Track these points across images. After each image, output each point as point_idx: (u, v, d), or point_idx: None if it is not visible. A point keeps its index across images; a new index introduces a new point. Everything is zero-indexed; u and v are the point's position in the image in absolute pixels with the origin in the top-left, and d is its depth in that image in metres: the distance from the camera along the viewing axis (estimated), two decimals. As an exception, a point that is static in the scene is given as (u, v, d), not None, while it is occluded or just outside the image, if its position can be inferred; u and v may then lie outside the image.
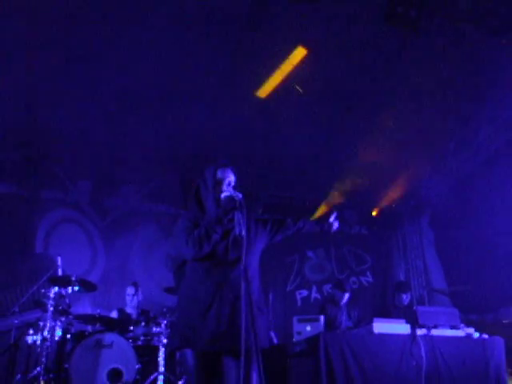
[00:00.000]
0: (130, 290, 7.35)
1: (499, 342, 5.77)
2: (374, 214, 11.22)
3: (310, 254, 10.63)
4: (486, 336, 5.81)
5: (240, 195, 3.22)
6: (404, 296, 7.51)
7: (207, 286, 3.24)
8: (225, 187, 3.37)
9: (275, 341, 7.38)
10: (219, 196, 3.35)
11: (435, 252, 10.76)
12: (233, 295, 3.16)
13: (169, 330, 6.69)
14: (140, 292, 7.42)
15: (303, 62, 7.03)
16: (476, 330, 5.84)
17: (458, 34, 6.62)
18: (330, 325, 6.94)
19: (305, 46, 6.88)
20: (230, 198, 3.24)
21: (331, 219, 3.82)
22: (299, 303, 10.29)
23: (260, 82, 7.39)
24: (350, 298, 7.49)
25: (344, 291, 7.42)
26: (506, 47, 6.77)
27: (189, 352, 3.26)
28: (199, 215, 3.40)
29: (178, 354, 6.68)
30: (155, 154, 8.73)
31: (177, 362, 6.75)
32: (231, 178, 3.44)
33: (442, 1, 6.43)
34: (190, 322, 3.20)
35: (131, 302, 7.31)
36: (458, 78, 7.19)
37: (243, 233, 3.07)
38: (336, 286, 7.71)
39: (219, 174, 3.43)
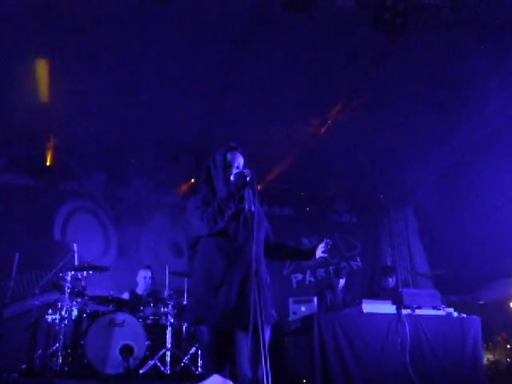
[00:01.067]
0: (147, 273, 7.35)
1: (476, 320, 5.81)
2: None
3: (304, 240, 10.64)
4: (464, 315, 5.84)
5: (250, 172, 3.10)
6: (390, 279, 7.55)
7: (219, 263, 3.14)
8: (234, 169, 3.27)
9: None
10: (229, 177, 3.25)
11: (419, 238, 10.79)
12: (243, 273, 3.08)
13: (176, 310, 6.72)
14: (148, 274, 7.42)
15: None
16: (455, 310, 5.87)
17: (440, 38, 6.61)
18: (328, 309, 6.98)
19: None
20: (241, 174, 3.13)
21: (322, 250, 3.54)
22: (295, 286, 10.33)
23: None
24: (345, 284, 7.53)
25: (340, 277, 7.47)
26: (484, 52, 6.78)
27: (203, 327, 3.09)
28: (210, 195, 3.29)
29: (192, 329, 6.67)
30: (162, 149, 8.71)
31: (183, 339, 6.79)
32: (240, 160, 3.34)
33: (425, 9, 6.42)
34: (203, 299, 3.12)
35: (146, 284, 7.31)
36: (440, 78, 7.17)
37: (253, 208, 3.00)
38: (333, 273, 7.78)
39: (229, 157, 3.34)
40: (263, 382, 2.61)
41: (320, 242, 3.51)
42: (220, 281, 3.08)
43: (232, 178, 3.21)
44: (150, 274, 7.38)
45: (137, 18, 6.11)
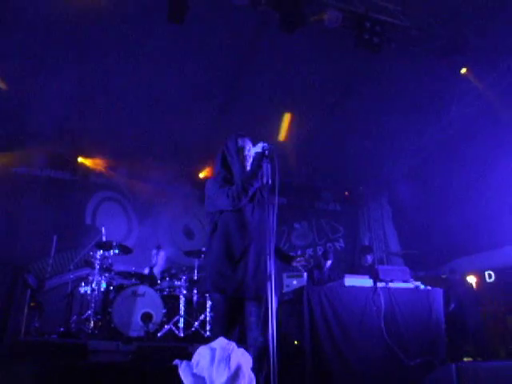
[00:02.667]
0: (162, 253, 7.39)
1: (439, 291, 5.82)
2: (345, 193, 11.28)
3: (296, 225, 10.66)
4: (429, 288, 5.85)
5: (268, 146, 2.95)
6: (368, 257, 7.58)
7: (237, 239, 3.04)
8: (246, 152, 3.19)
9: None
10: (242, 160, 3.16)
11: (392, 224, 10.79)
12: (258, 249, 2.99)
13: (187, 284, 6.75)
14: (163, 253, 7.45)
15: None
16: (422, 283, 5.88)
17: (411, 55, 6.64)
18: (315, 284, 7.01)
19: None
20: (261, 152, 2.98)
21: (298, 261, 3.43)
22: (287, 263, 10.34)
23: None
24: (331, 264, 7.55)
25: (327, 259, 7.50)
26: (446, 66, 6.82)
27: (219, 297, 3.03)
28: (229, 177, 3.18)
29: (202, 298, 6.72)
30: (176, 147, 8.73)
31: (194, 308, 6.83)
32: (249, 144, 3.24)
33: (398, 29, 6.44)
34: (222, 271, 3.01)
35: (162, 261, 7.33)
36: (411, 86, 7.19)
37: (270, 181, 2.84)
38: (322, 255, 7.80)
39: (240, 142, 3.24)
40: (270, 343, 2.61)
41: (301, 255, 3.46)
42: (239, 256, 3.00)
43: (248, 160, 3.12)
44: (163, 253, 7.40)
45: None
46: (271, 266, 2.63)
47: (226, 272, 3.00)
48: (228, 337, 2.82)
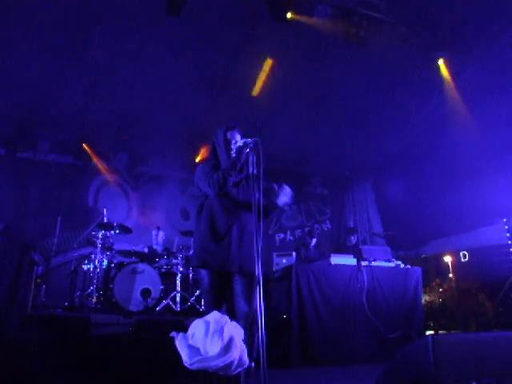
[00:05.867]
0: (160, 233, 7.36)
1: (418, 270, 5.88)
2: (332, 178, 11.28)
3: (286, 207, 10.65)
4: (409, 266, 5.90)
5: (252, 140, 2.96)
6: (352, 237, 7.62)
7: (222, 219, 3.08)
8: (233, 144, 3.17)
9: None
10: (229, 151, 3.16)
11: (376, 207, 10.85)
12: (242, 228, 3.06)
13: (184, 262, 6.77)
14: (162, 233, 7.45)
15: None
16: (402, 262, 5.94)
17: (395, 48, 6.61)
18: (303, 262, 7.05)
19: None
20: (242, 147, 3.01)
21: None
22: (278, 243, 10.39)
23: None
24: (317, 242, 7.58)
25: (312, 237, 7.54)
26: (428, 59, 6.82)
27: (204, 271, 3.06)
28: (217, 165, 3.21)
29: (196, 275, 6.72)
30: (174, 133, 8.67)
31: (190, 284, 6.86)
32: (237, 137, 3.22)
33: (383, 24, 6.40)
34: (208, 248, 3.05)
35: (160, 241, 7.32)
36: (396, 78, 7.17)
37: (255, 172, 2.85)
38: (307, 234, 7.83)
39: (228, 135, 3.24)
40: (256, 313, 2.67)
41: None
42: (223, 234, 3.04)
43: (233, 152, 3.11)
44: (162, 233, 7.41)
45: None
46: (258, 245, 2.62)
47: (211, 248, 3.03)
48: (217, 310, 2.87)
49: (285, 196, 3.28)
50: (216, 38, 6.41)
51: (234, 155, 3.10)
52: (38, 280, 6.04)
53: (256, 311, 2.71)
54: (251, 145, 2.96)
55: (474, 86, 6.98)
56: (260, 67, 7.12)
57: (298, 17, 6.12)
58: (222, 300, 3.07)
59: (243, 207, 3.11)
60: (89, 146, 8.86)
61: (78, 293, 6.38)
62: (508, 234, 6.88)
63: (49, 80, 6.94)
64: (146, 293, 6.09)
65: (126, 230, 6.86)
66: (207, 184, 3.07)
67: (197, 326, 2.25)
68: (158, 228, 7.51)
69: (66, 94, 7.07)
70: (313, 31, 6.32)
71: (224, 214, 3.10)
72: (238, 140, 3.20)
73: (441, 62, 6.95)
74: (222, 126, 3.34)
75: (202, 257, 3.07)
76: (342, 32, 6.27)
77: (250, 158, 2.95)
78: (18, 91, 7.24)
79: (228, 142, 3.23)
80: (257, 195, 2.74)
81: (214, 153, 3.32)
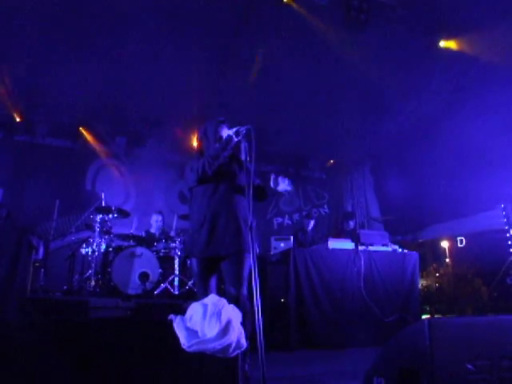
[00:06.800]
0: (158, 217, 7.30)
1: (415, 255, 5.93)
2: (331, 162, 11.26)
3: (285, 193, 10.65)
4: (406, 251, 5.95)
5: (245, 127, 2.94)
6: (350, 222, 7.61)
7: (202, 207, 3.10)
8: (221, 138, 3.11)
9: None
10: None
11: (373, 191, 10.86)
12: (216, 212, 3.04)
13: (182, 245, 6.75)
14: (160, 217, 7.41)
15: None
16: (399, 247, 5.98)
17: (395, 32, 6.55)
18: (300, 245, 7.07)
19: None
20: (232, 136, 2.98)
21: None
22: (275, 227, 10.42)
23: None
24: (315, 225, 7.58)
25: (310, 218, 7.54)
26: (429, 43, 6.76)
27: (193, 259, 3.11)
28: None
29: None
30: (172, 117, 8.63)
31: (187, 267, 6.86)
32: (226, 132, 3.14)
33: (384, 7, 6.33)
34: (191, 237, 3.13)
35: (157, 225, 7.31)
36: (394, 64, 7.12)
37: (248, 158, 2.85)
38: (305, 216, 7.84)
39: (217, 129, 3.20)
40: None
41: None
42: (202, 221, 3.06)
43: (224, 136, 3.07)
44: (160, 217, 7.40)
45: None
46: (249, 237, 2.65)
47: (194, 236, 3.10)
48: (206, 292, 2.91)
49: (283, 183, 3.22)
50: (215, 19, 6.36)
51: (224, 139, 3.06)
52: (37, 264, 6.05)
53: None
54: (244, 132, 2.95)
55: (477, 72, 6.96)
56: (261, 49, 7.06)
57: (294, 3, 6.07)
58: (209, 286, 3.08)
59: (224, 195, 3.10)
60: (86, 130, 8.82)
61: (77, 276, 6.39)
62: (505, 220, 6.90)
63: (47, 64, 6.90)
64: (144, 276, 6.08)
65: (124, 213, 6.85)
66: (191, 171, 3.10)
67: (194, 309, 2.27)
68: (157, 212, 7.51)
69: (64, 79, 6.99)
70: (312, 13, 6.27)
71: (202, 203, 3.11)
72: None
73: (442, 43, 6.89)
74: (211, 120, 3.30)
75: (188, 246, 3.17)
76: (343, 16, 6.20)
77: (243, 144, 2.97)
78: (16, 75, 7.19)
79: (217, 137, 3.18)
80: (249, 180, 2.71)
81: (200, 149, 3.30)
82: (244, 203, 3.08)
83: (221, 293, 2.89)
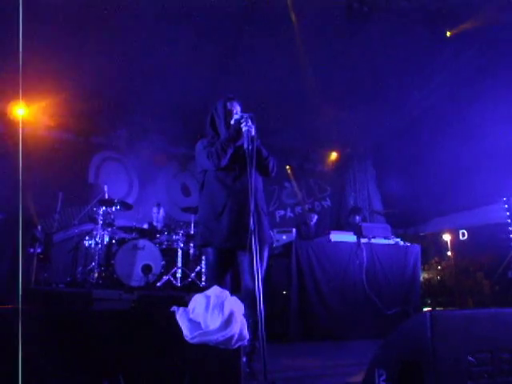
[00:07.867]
0: (160, 209, 7.32)
1: (417, 248, 5.91)
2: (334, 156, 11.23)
3: (286, 184, 10.66)
4: (408, 244, 5.94)
5: (248, 114, 2.93)
6: (357, 217, 7.59)
7: (220, 194, 3.04)
8: (233, 115, 3.11)
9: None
10: (229, 122, 3.09)
11: (376, 185, 10.85)
12: (240, 201, 2.96)
13: (184, 238, 6.80)
14: (162, 210, 7.45)
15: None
16: (401, 240, 5.97)
17: (398, 24, 6.50)
18: (304, 239, 7.07)
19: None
20: (239, 120, 2.97)
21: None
22: (278, 220, 10.41)
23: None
24: (318, 219, 7.58)
25: (314, 213, 7.55)
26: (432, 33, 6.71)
27: (209, 249, 3.04)
28: (215, 138, 3.17)
29: (198, 252, 6.73)
30: (176, 109, 8.60)
31: (190, 260, 6.90)
32: (237, 108, 3.19)
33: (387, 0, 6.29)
34: (208, 225, 3.04)
35: (160, 217, 7.30)
36: (395, 56, 7.07)
37: (250, 147, 2.81)
38: (308, 210, 7.84)
39: (228, 106, 3.19)
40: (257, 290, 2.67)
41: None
42: (221, 209, 3.00)
43: (232, 121, 3.06)
44: (157, 209, 7.41)
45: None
46: (254, 223, 2.61)
47: (212, 226, 3.02)
48: (221, 286, 2.87)
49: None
50: (216, 12, 6.31)
51: (232, 124, 3.04)
52: (40, 256, 6.08)
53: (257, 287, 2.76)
54: (246, 119, 2.93)
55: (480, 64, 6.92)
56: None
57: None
58: (224, 276, 3.06)
59: (242, 183, 3.03)
60: (89, 122, 8.81)
61: (80, 268, 6.44)
62: (508, 213, 6.89)
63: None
64: (146, 269, 6.11)
65: (126, 206, 6.87)
66: (206, 157, 3.04)
67: (197, 301, 2.27)
68: (159, 205, 7.52)
69: (64, 70, 6.97)
70: (314, 6, 6.22)
71: (222, 190, 3.06)
72: (239, 111, 3.16)
73: (448, 34, 6.84)
74: (220, 98, 3.29)
75: (204, 235, 3.06)
76: (345, 7, 6.16)
77: (245, 131, 2.92)
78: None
79: (229, 114, 3.17)
80: (251, 168, 2.70)
81: (212, 125, 3.26)
82: (260, 192, 3.13)
83: (234, 289, 2.89)
